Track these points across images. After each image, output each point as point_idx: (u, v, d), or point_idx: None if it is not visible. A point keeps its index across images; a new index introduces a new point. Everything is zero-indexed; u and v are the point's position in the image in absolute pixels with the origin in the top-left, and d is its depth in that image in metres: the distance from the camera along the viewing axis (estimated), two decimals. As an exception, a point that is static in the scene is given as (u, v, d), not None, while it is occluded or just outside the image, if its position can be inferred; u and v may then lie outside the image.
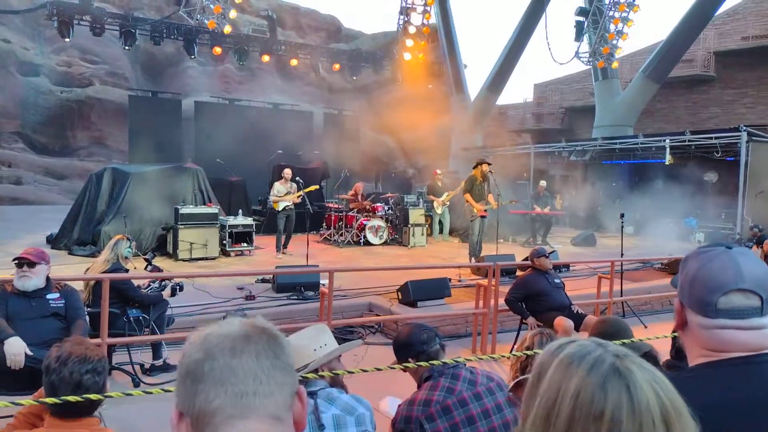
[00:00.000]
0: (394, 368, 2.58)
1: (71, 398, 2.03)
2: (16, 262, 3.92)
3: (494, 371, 2.60)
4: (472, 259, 10.07)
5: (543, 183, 14.47)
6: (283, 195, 10.82)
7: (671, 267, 9.69)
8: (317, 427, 2.08)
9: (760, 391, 1.08)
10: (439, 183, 14.24)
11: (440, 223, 14.34)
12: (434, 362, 2.48)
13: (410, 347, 2.57)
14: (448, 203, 13.87)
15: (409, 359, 2.55)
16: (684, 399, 0.83)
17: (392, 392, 2.97)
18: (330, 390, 2.22)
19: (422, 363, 2.49)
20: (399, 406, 2.41)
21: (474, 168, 10.58)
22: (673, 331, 2.63)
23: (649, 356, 2.83)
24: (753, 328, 1.12)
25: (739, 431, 1.06)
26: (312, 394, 2.16)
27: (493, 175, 10.48)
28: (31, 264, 3.89)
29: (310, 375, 2.20)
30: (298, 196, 10.83)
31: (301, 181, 10.92)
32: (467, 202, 10.29)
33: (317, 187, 11.40)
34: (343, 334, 6.70)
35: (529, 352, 2.77)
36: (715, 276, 1.14)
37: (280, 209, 10.83)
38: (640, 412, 0.77)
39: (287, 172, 11.14)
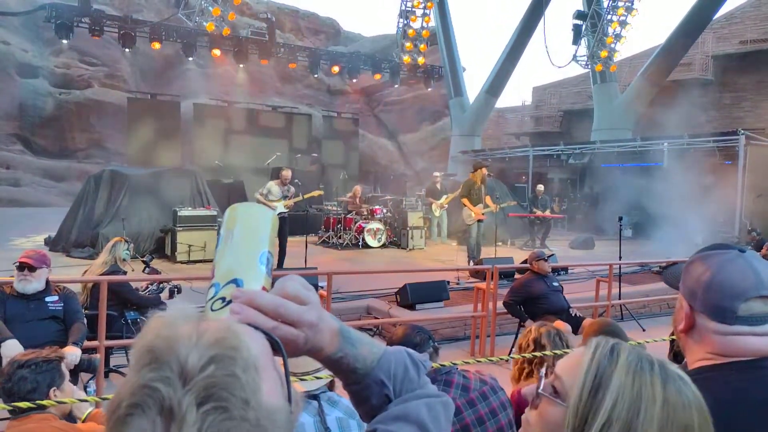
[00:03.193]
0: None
1: (23, 404, 2.22)
2: (17, 265, 3.91)
3: (490, 374, 2.57)
4: (471, 261, 10.08)
5: (540, 187, 14.48)
6: (277, 199, 9.35)
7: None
8: (323, 429, 2.08)
9: (765, 394, 1.07)
10: (437, 186, 14.24)
11: (438, 225, 14.34)
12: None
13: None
14: (446, 206, 13.87)
15: None
16: None
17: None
18: (331, 393, 2.23)
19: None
20: None
21: (472, 172, 10.59)
22: (672, 334, 2.62)
23: None
24: (767, 334, 1.12)
25: None
26: (315, 396, 2.16)
27: (492, 178, 10.50)
28: (32, 268, 3.89)
29: (308, 378, 2.20)
30: (295, 203, 9.67)
31: (299, 183, 10.61)
32: (465, 206, 10.31)
33: (321, 192, 10.19)
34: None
35: (541, 353, 2.78)
36: (736, 282, 1.12)
37: None
38: (707, 410, 0.81)
39: (286, 174, 9.66)
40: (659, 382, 0.79)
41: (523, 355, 2.84)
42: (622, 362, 0.82)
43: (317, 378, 2.18)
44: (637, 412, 0.77)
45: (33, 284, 3.88)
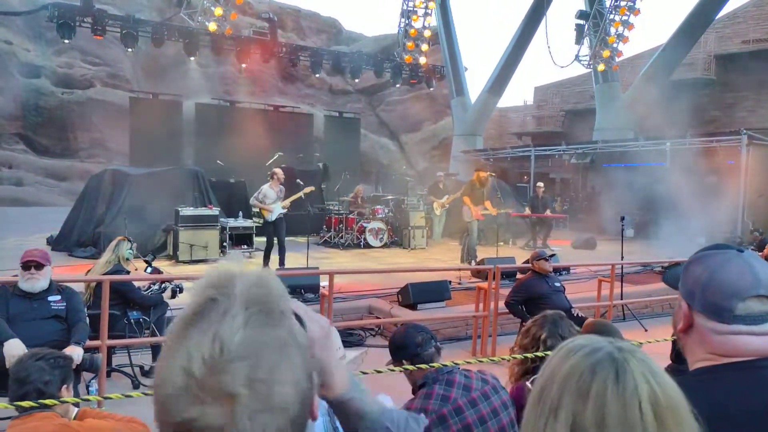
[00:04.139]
0: (393, 371, 2.58)
1: (25, 403, 2.17)
2: (23, 264, 3.90)
3: (491, 373, 2.57)
4: (473, 261, 10.10)
5: (540, 185, 14.49)
6: (272, 201, 9.34)
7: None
8: (332, 429, 2.08)
9: (763, 394, 1.08)
10: (440, 186, 14.31)
11: (440, 225, 14.39)
12: (428, 365, 2.45)
13: (405, 349, 2.57)
14: (447, 206, 13.94)
15: (404, 361, 2.55)
16: (689, 404, 0.83)
17: (388, 394, 2.96)
18: None
19: (421, 366, 2.47)
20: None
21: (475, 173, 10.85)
22: (673, 334, 2.62)
23: None
24: (765, 333, 1.12)
25: None
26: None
27: (494, 179, 10.59)
28: (39, 266, 3.89)
29: None
30: (291, 202, 9.81)
31: (301, 182, 10.63)
32: (465, 204, 10.46)
33: (312, 189, 10.57)
34: (343, 337, 6.70)
35: (543, 354, 2.79)
36: (733, 281, 1.12)
37: (270, 219, 9.34)
38: (626, 395, 0.79)
39: (280, 173, 9.63)
40: (576, 358, 0.83)
41: (525, 355, 2.84)
42: (564, 348, 0.88)
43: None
44: (545, 384, 0.84)
45: (40, 282, 3.89)
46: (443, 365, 2.50)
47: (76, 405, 2.55)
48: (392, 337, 2.72)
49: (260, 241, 11.40)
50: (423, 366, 2.47)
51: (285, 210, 9.60)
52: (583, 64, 20.79)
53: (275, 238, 9.55)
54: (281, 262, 9.56)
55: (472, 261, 10.14)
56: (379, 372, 2.62)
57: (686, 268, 1.22)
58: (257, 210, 9.94)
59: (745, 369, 1.11)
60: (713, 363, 1.14)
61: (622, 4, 19.39)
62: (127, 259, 5.32)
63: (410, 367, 2.47)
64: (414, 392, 2.47)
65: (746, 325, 1.11)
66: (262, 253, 10.99)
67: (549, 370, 0.86)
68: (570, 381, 0.81)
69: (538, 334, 2.91)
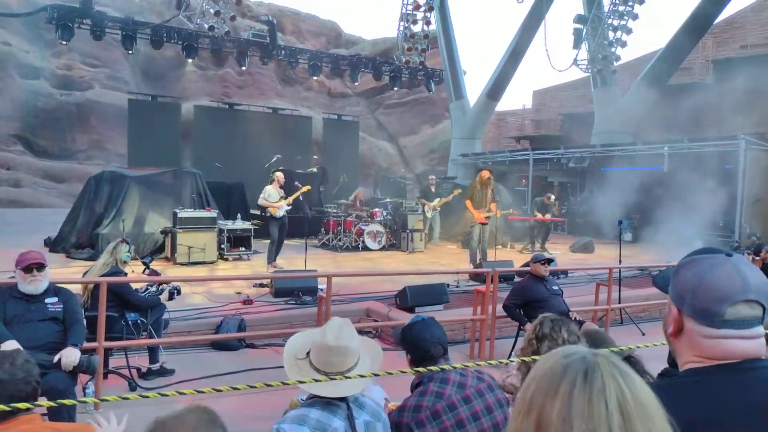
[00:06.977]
0: (391, 374, 2.57)
1: (22, 405, 2.04)
2: (25, 267, 3.88)
3: (488, 373, 2.58)
4: (471, 265, 10.09)
5: (552, 197, 14.60)
6: (277, 200, 10.06)
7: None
8: None
9: (754, 397, 1.09)
10: (431, 188, 14.43)
11: (431, 227, 14.45)
12: (425, 369, 2.44)
13: (416, 349, 2.52)
14: (438, 209, 14.05)
15: (409, 355, 2.55)
16: (678, 405, 0.85)
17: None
18: (356, 395, 2.21)
19: (419, 369, 2.46)
20: (390, 413, 2.39)
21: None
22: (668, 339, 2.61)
23: (631, 361, 2.79)
24: (754, 337, 1.13)
25: None
26: (343, 398, 2.13)
27: (493, 181, 10.53)
28: (41, 267, 3.89)
29: (338, 377, 2.18)
30: (293, 200, 10.39)
31: (299, 185, 10.84)
32: (467, 208, 10.41)
33: (309, 187, 10.95)
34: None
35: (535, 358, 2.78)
36: (722, 286, 1.13)
37: (279, 215, 10.03)
38: (593, 392, 0.83)
39: (280, 176, 10.37)
40: (553, 360, 0.90)
41: (523, 359, 2.83)
42: (550, 353, 0.94)
43: (347, 377, 2.14)
44: (528, 383, 0.91)
45: (43, 283, 3.90)
46: (430, 368, 2.47)
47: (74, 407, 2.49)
48: (411, 329, 2.56)
49: (258, 243, 11.42)
50: (419, 369, 2.46)
51: (289, 207, 10.26)
52: (581, 68, 20.84)
53: (278, 235, 10.13)
54: (274, 258, 10.12)
55: (471, 264, 10.13)
56: (377, 375, 2.60)
57: (676, 272, 1.23)
58: (259, 211, 10.55)
59: (732, 371, 1.12)
60: (701, 365, 1.15)
61: (621, 8, 19.45)
62: (125, 262, 5.31)
63: (409, 370, 2.46)
64: (411, 390, 2.49)
65: (735, 329, 1.13)
66: (259, 255, 11.07)
67: (532, 372, 0.92)
68: (543, 380, 0.88)
69: (529, 337, 2.89)
